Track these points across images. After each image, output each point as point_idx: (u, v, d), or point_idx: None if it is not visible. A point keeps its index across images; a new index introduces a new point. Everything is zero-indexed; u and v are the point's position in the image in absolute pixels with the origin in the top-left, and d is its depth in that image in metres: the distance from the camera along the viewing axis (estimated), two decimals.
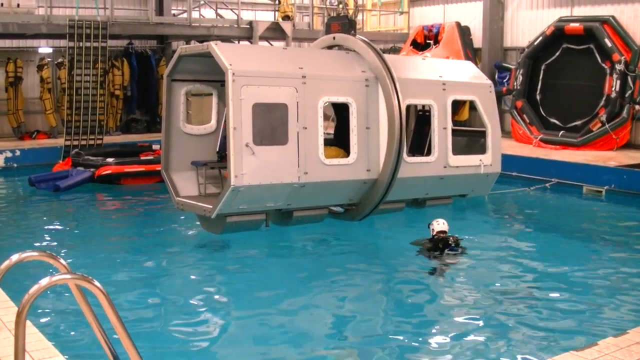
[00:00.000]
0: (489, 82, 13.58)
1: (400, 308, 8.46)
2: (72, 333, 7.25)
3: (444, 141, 12.38)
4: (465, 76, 13.34)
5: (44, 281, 3.84)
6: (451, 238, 10.19)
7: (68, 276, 4.06)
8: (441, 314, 8.18)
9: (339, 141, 12.58)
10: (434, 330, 7.65)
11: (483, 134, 13.23)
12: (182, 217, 12.79)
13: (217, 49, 10.50)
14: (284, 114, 10.71)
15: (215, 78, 12.07)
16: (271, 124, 10.68)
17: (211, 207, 10.57)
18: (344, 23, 12.80)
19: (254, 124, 10.30)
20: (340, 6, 14.05)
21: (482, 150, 13.15)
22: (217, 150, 12.33)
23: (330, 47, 12.81)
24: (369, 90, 11.64)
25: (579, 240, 11.98)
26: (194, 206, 11.24)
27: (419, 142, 13.30)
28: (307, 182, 10.86)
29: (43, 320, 7.42)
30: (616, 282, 9.32)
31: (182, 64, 11.88)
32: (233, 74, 10.14)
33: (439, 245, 10.14)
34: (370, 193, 11.73)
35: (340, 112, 13.14)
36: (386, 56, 12.04)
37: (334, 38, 12.83)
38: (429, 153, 12.49)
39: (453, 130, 12.70)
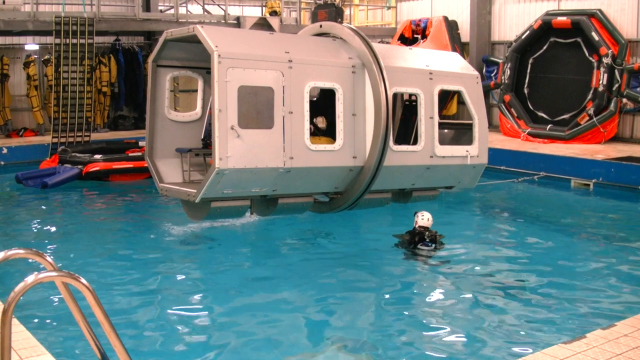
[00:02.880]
0: (476, 73, 13.55)
1: (383, 304, 8.45)
2: (60, 331, 7.21)
3: (430, 131, 12.33)
4: (453, 66, 13.31)
5: (30, 279, 3.82)
6: (427, 233, 10.22)
7: (54, 273, 4.04)
8: (427, 309, 8.18)
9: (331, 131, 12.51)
10: (420, 326, 7.64)
11: (469, 127, 13.21)
12: (171, 215, 12.76)
13: (203, 31, 10.42)
14: (269, 97, 10.64)
15: (201, 65, 12.01)
16: (257, 107, 10.61)
17: (195, 191, 10.52)
18: (331, 11, 12.76)
19: (240, 107, 10.22)
20: None
21: (468, 141, 13.12)
22: (202, 137, 12.27)
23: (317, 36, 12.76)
24: (355, 77, 11.58)
25: (567, 233, 12.01)
26: (178, 191, 11.17)
27: (406, 132, 13.26)
28: (293, 168, 10.79)
29: (30, 318, 7.37)
30: (604, 274, 9.35)
31: (168, 50, 11.82)
32: (219, 55, 10.07)
33: (415, 239, 10.19)
34: (356, 181, 11.69)
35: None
36: (373, 44, 11.99)
37: (320, 26, 12.80)
38: (415, 143, 12.45)
39: (440, 124, 12.65)
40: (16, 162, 18.10)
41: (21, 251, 4.48)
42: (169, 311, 8.03)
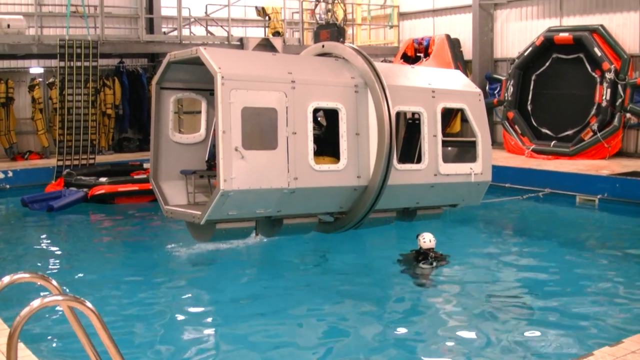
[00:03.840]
0: (479, 90, 13.54)
1: (386, 323, 8.41)
2: (65, 354, 7.20)
3: (434, 149, 12.33)
4: (455, 84, 13.32)
5: (36, 303, 3.82)
6: (431, 254, 10.24)
7: (60, 297, 4.05)
8: (431, 326, 8.15)
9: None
10: (424, 344, 7.61)
11: (473, 144, 13.20)
12: (176, 237, 12.75)
13: (206, 52, 10.44)
14: (273, 118, 10.63)
15: (204, 87, 12.05)
16: (260, 128, 10.62)
17: (200, 213, 10.53)
18: (333, 31, 12.75)
19: (244, 128, 10.21)
20: (329, 14, 14.06)
21: (472, 159, 13.11)
22: (206, 159, 12.29)
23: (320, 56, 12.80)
24: (358, 97, 11.59)
25: (572, 249, 11.97)
26: (183, 213, 11.16)
27: (409, 151, 13.25)
28: (297, 188, 10.77)
29: (36, 341, 7.36)
30: (611, 291, 9.31)
31: (171, 72, 11.86)
32: (222, 77, 10.08)
33: (419, 258, 10.21)
34: (361, 200, 11.68)
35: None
36: (375, 63, 12.01)
37: (322, 46, 12.84)
38: (419, 161, 12.45)
39: (443, 141, 12.64)
40: (21, 185, 18.12)
41: (27, 275, 4.49)
42: (175, 334, 8.02)
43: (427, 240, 10.40)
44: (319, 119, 13.13)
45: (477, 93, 13.36)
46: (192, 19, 24.26)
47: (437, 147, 12.36)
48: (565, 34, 20.12)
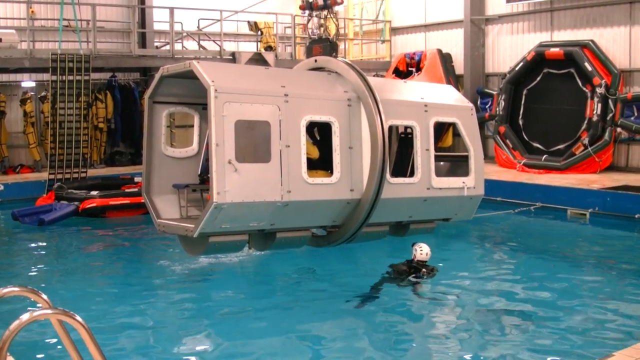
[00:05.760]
0: (471, 104, 13.58)
1: (378, 338, 8.41)
2: None
3: (426, 162, 12.34)
4: (447, 99, 13.36)
5: (25, 316, 3.82)
6: (423, 270, 10.22)
7: (49, 311, 4.04)
8: (422, 342, 8.14)
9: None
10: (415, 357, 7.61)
11: (465, 158, 13.22)
12: (168, 250, 12.73)
13: (199, 66, 10.46)
14: (266, 131, 10.64)
15: (197, 101, 12.05)
16: (254, 142, 10.63)
17: (193, 226, 10.51)
18: (325, 45, 12.77)
19: (237, 141, 10.20)
20: (322, 29, 14.10)
21: (465, 173, 13.12)
22: (199, 173, 12.28)
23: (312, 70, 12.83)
24: (351, 110, 11.61)
25: (563, 263, 11.99)
26: (176, 227, 11.11)
27: (402, 165, 13.27)
28: (290, 201, 10.75)
29: (25, 355, 7.33)
30: (601, 304, 9.32)
31: (164, 86, 11.86)
32: (215, 90, 10.09)
33: (410, 271, 10.19)
34: (354, 214, 11.68)
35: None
36: (368, 77, 12.03)
37: (315, 61, 12.87)
38: (412, 175, 12.46)
39: (435, 156, 12.65)
40: (13, 199, 18.06)
41: (16, 289, 4.47)
42: (164, 348, 7.98)
43: (424, 252, 10.38)
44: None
45: (469, 107, 13.40)
46: (185, 34, 24.29)
47: (430, 161, 12.38)
48: (556, 49, 20.24)
